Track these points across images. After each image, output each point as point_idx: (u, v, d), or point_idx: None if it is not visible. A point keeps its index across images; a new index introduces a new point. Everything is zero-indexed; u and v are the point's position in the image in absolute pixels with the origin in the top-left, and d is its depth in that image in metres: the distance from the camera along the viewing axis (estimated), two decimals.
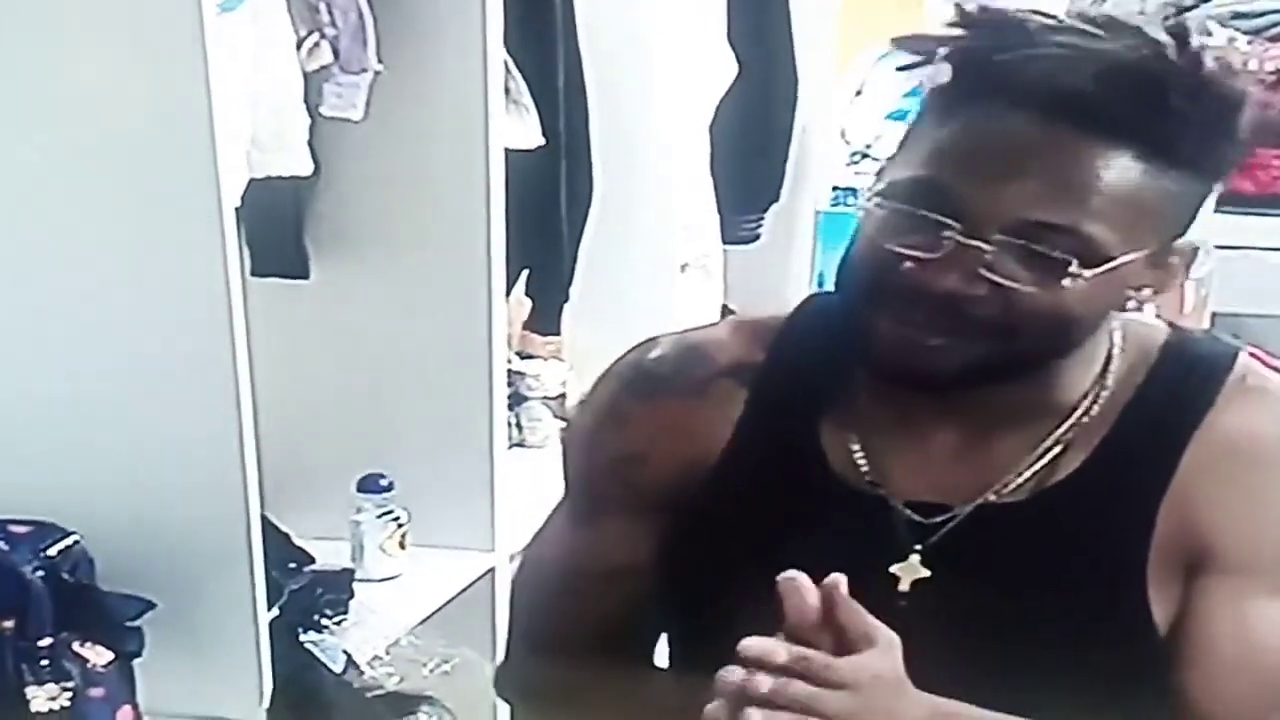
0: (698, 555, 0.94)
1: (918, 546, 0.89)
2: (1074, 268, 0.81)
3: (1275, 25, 3.40)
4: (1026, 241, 0.81)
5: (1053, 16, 0.85)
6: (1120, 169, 0.81)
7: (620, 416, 0.96)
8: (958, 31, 0.85)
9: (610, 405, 0.97)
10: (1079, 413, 0.90)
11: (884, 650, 0.80)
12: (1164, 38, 0.82)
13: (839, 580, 0.80)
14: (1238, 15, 3.56)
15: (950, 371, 0.85)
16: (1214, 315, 2.77)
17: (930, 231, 0.82)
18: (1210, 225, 2.94)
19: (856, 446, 0.91)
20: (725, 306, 2.30)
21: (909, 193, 0.84)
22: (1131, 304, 0.87)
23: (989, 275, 0.82)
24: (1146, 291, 0.87)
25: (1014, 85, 0.82)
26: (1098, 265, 0.81)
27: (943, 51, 0.84)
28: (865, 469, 0.91)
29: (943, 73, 0.84)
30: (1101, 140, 0.81)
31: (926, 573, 0.89)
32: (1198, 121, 0.82)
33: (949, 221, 0.82)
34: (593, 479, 0.97)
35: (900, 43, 0.87)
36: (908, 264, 0.83)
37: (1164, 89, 0.81)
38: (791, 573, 0.80)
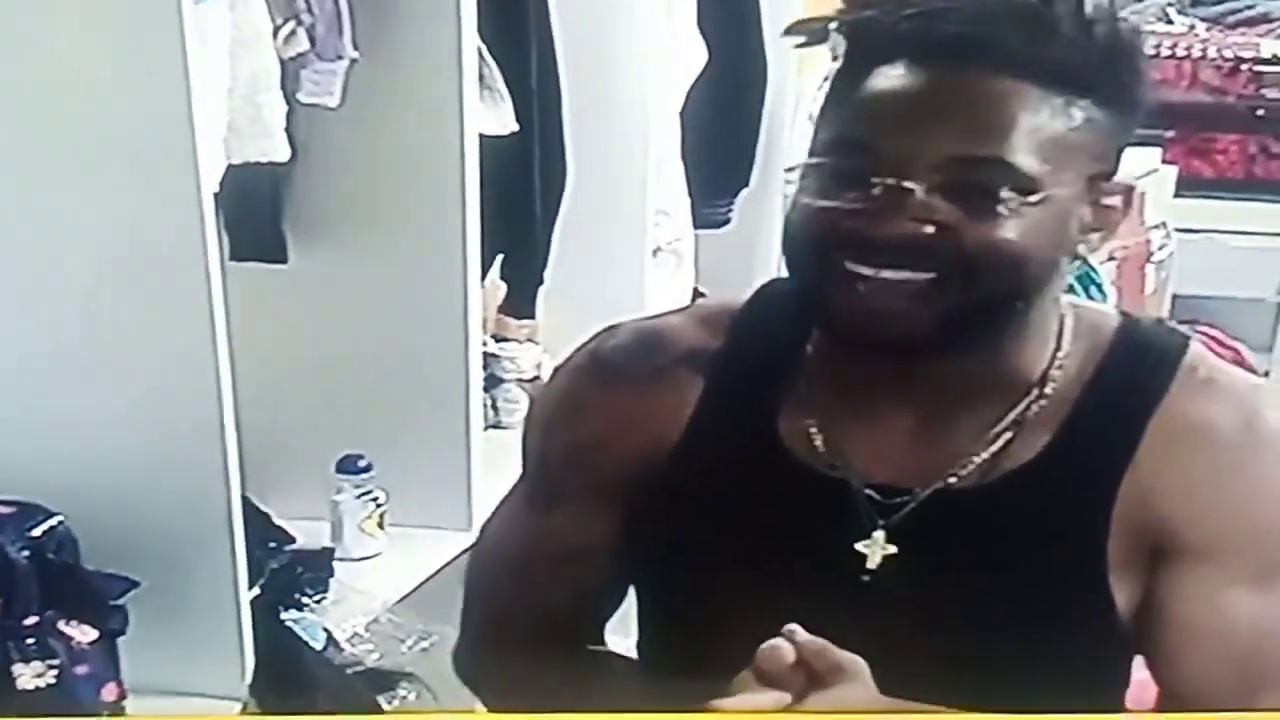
0: (660, 540, 0.94)
1: (882, 523, 0.89)
2: (1006, 193, 0.82)
3: (1232, 13, 3.43)
4: (954, 177, 0.82)
5: None
6: (1030, 102, 0.83)
7: (579, 404, 0.96)
8: (843, 6, 0.87)
9: (569, 393, 0.97)
10: (1033, 395, 0.90)
11: (855, 678, 0.81)
12: None
13: (794, 629, 0.80)
14: (1196, 2, 3.59)
15: (911, 329, 0.85)
16: (1174, 297, 2.80)
17: (862, 183, 0.83)
18: (1170, 209, 2.98)
19: (815, 430, 0.91)
20: (697, 290, 2.31)
21: (835, 149, 0.85)
22: (1083, 247, 0.88)
23: (926, 215, 0.82)
24: (1094, 236, 0.88)
25: (906, 41, 0.84)
26: (1029, 195, 0.83)
27: (833, 25, 0.87)
28: (824, 452, 0.91)
29: (839, 43, 0.87)
30: (1005, 76, 0.83)
31: (893, 549, 0.89)
32: (1092, 51, 0.84)
33: (877, 169, 0.83)
34: (550, 465, 0.97)
35: (793, 28, 0.90)
36: (847, 220, 0.84)
37: (1052, 22, 0.83)
38: (777, 641, 0.80)
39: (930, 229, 0.83)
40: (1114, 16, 0.85)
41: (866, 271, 0.84)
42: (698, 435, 0.93)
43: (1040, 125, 0.83)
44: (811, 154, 0.86)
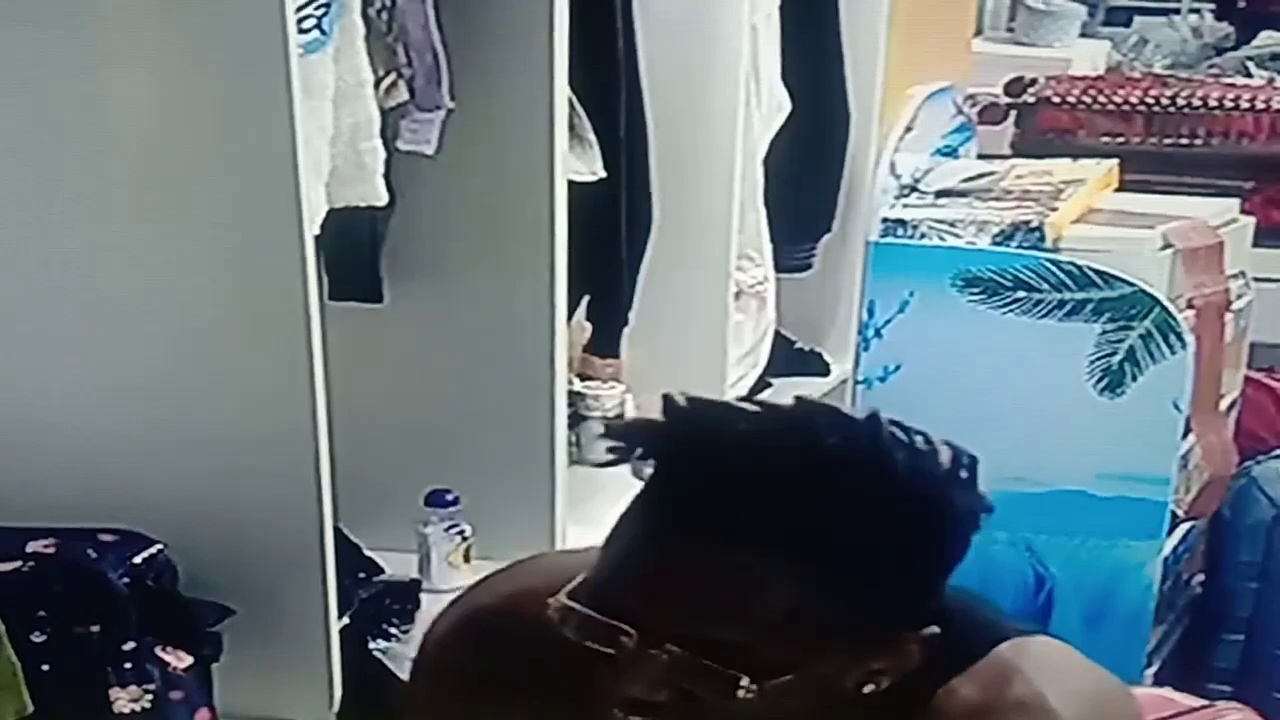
0: None
1: None
2: (745, 682, 0.76)
3: None
4: (696, 654, 0.77)
5: (758, 410, 0.80)
6: (803, 587, 0.76)
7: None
8: (662, 427, 0.80)
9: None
10: None
11: None
12: (865, 442, 0.76)
13: None
14: (1276, 57, 3.50)
15: None
16: (1252, 345, 2.71)
17: (611, 631, 0.78)
18: (1249, 258, 2.89)
19: None
20: (779, 331, 2.29)
21: (599, 594, 0.80)
22: (869, 687, 0.80)
23: (666, 684, 0.77)
24: (884, 681, 0.80)
25: (699, 501, 0.77)
26: (775, 676, 0.76)
27: (639, 450, 0.80)
28: None
29: (645, 469, 0.80)
30: (784, 564, 0.75)
31: None
32: (886, 534, 0.76)
33: (624, 627, 0.78)
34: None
35: (609, 431, 0.83)
36: (595, 663, 0.79)
37: (849, 507, 0.76)
38: None
39: (667, 696, 0.77)
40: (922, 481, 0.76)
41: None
42: None
43: (808, 610, 0.76)
44: (586, 586, 0.80)
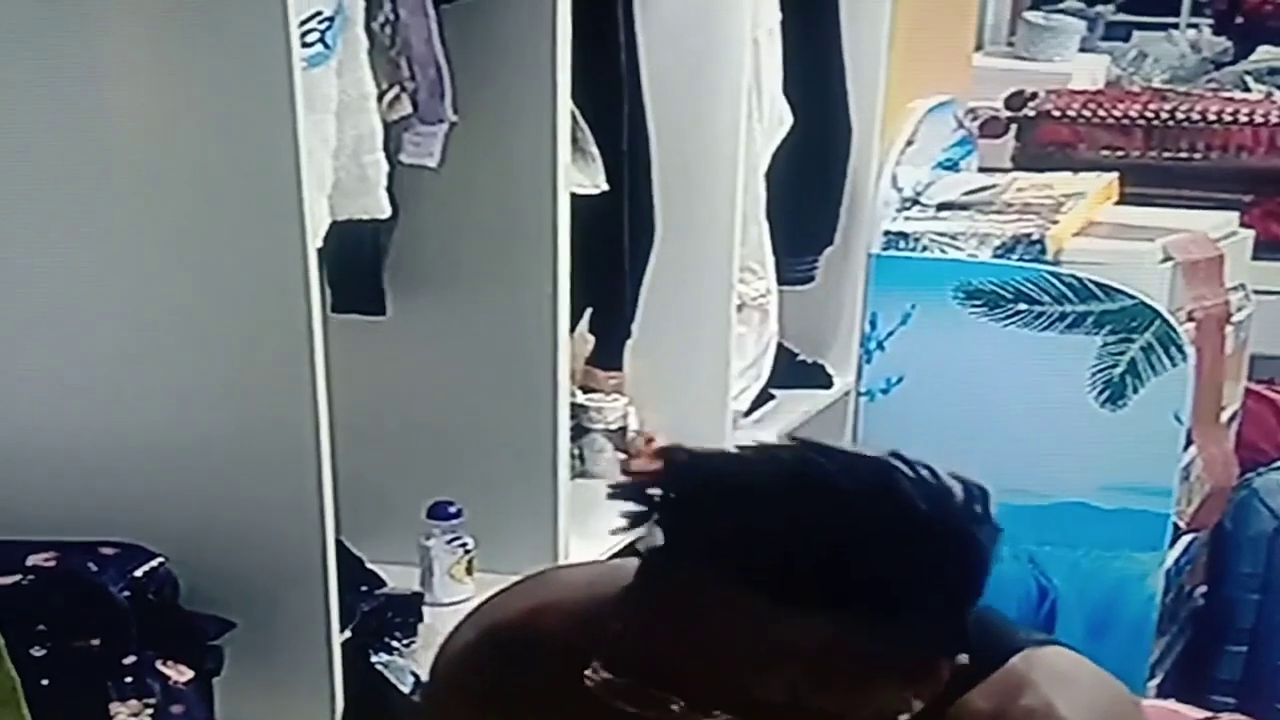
0: None
1: None
2: None
3: None
4: (746, 717, 0.74)
5: (761, 456, 0.78)
6: (839, 631, 0.74)
7: None
8: (668, 484, 0.77)
9: None
10: None
11: None
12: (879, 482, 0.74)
13: None
14: (1274, 71, 3.50)
15: None
16: (1253, 357, 2.70)
17: (659, 701, 0.76)
18: (1248, 270, 2.88)
19: None
20: (781, 344, 2.27)
21: (635, 659, 0.77)
22: (904, 717, 0.78)
23: None
24: (919, 705, 0.78)
25: (718, 558, 0.74)
26: None
27: (655, 515, 0.77)
28: None
29: (656, 536, 0.78)
30: (814, 611, 0.73)
31: None
32: (914, 572, 0.74)
33: (672, 697, 0.75)
34: None
35: (616, 493, 0.79)
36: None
37: (875, 548, 0.74)
38: None
39: None
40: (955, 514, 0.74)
41: None
42: None
43: (847, 662, 0.74)
44: (617, 654, 0.77)
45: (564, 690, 0.82)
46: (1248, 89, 3.33)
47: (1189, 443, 2.36)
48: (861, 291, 2.45)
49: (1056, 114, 2.90)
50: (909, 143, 2.51)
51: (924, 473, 0.77)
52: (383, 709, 1.45)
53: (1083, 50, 3.49)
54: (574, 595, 0.87)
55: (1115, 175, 2.61)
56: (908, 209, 2.50)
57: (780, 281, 2.24)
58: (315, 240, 1.35)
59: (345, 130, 1.43)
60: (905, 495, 0.76)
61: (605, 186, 1.78)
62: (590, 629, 0.81)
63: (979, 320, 2.34)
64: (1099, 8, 4.12)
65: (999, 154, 2.87)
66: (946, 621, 0.78)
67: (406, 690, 1.49)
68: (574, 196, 1.68)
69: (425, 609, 1.62)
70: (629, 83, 1.84)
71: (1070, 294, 2.29)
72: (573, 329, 1.79)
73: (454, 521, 1.70)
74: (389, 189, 1.51)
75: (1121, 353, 2.29)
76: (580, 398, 2.03)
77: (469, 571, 1.71)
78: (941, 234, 2.41)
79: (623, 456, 2.04)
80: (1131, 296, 2.28)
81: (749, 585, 0.75)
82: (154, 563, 1.29)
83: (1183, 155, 2.88)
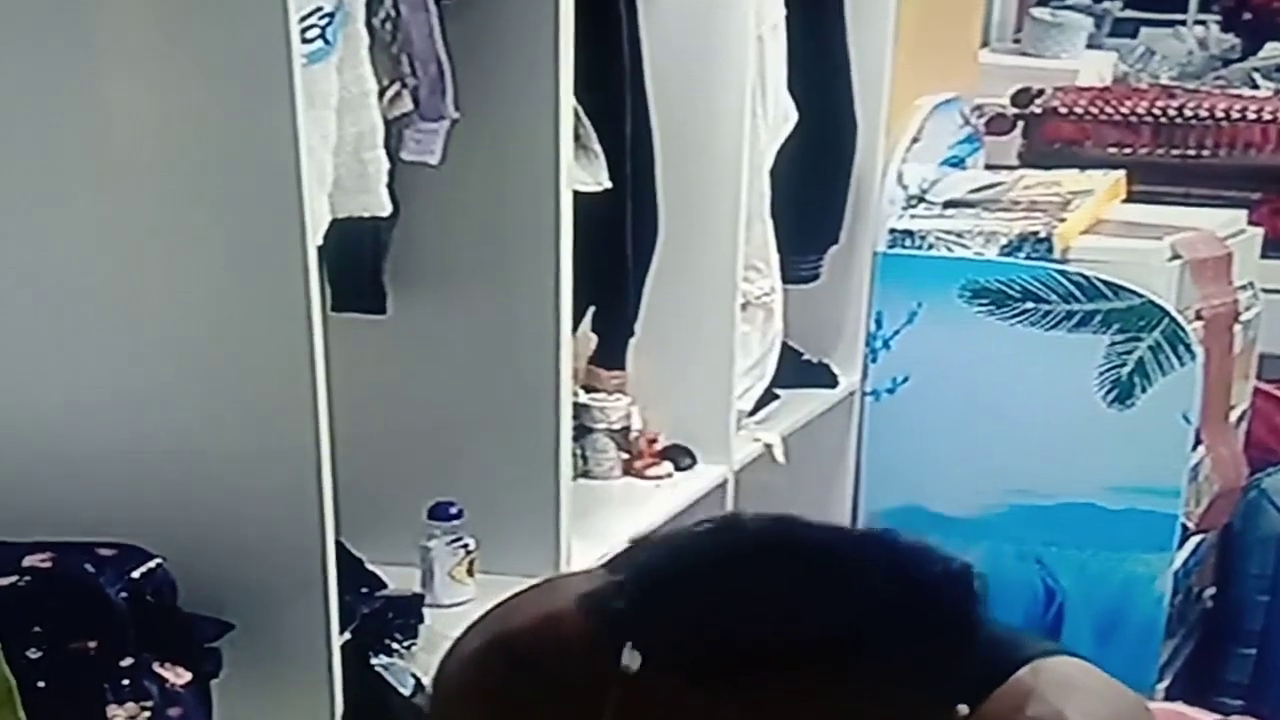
0: None
1: None
2: None
3: None
4: None
5: (723, 537, 0.76)
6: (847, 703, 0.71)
7: None
8: (629, 591, 0.75)
9: None
10: None
11: None
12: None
13: None
14: None
15: None
16: (1261, 356, 2.69)
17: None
18: (1257, 269, 2.87)
19: None
20: (786, 343, 2.26)
21: None
22: None
23: None
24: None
25: (701, 673, 0.71)
26: None
27: (629, 641, 0.74)
28: None
29: (634, 659, 0.75)
30: (813, 684, 0.71)
31: None
32: (912, 642, 0.72)
33: None
34: None
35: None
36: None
37: (874, 623, 0.72)
38: None
39: None
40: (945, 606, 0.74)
41: None
42: None
43: None
44: None
45: (580, 700, 0.81)
46: (1256, 86, 3.31)
47: (1197, 442, 2.34)
48: (867, 290, 2.43)
49: (1063, 111, 2.88)
50: (915, 140, 2.49)
51: (916, 552, 0.75)
52: (383, 711, 1.43)
53: (1090, 47, 3.48)
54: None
55: (1123, 173, 2.60)
56: (913, 207, 2.49)
57: (785, 280, 2.23)
58: (315, 238, 1.33)
59: (346, 127, 1.42)
60: (913, 573, 0.75)
61: (608, 184, 1.76)
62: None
63: (985, 319, 2.32)
64: (1106, 4, 4.10)
65: (1005, 151, 2.86)
66: (947, 679, 0.77)
67: (407, 692, 1.47)
68: (576, 194, 1.67)
69: (426, 610, 1.61)
70: (632, 79, 1.83)
71: (1077, 292, 2.28)
72: (575, 328, 1.78)
73: (455, 522, 1.69)
74: (390, 186, 1.50)
75: (1129, 352, 2.28)
76: (583, 397, 2.02)
77: (470, 573, 1.70)
78: (948, 232, 2.40)
79: (625, 457, 2.03)
80: (1139, 295, 2.26)
81: (733, 695, 0.73)
82: (152, 564, 1.28)
83: (1190, 152, 2.86)
